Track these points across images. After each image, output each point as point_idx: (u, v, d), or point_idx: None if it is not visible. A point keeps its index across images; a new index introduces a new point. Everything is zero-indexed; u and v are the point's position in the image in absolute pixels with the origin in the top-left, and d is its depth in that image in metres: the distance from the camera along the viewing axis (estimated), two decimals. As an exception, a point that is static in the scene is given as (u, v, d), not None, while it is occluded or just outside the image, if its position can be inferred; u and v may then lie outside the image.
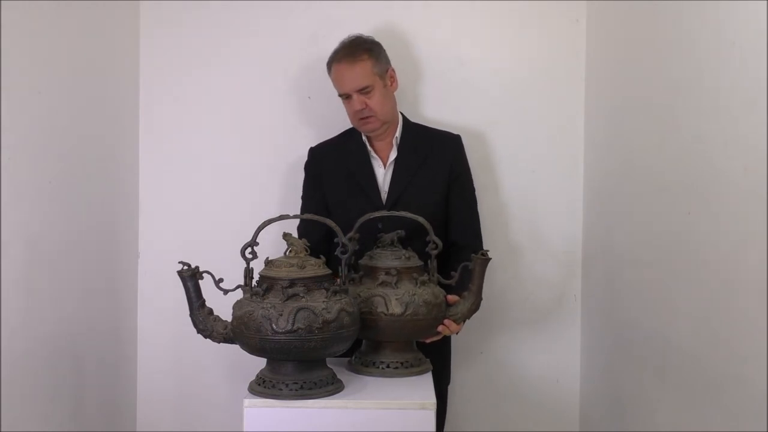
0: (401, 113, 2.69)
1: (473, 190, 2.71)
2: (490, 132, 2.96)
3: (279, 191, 2.92)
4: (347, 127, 2.71)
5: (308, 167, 2.71)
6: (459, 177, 2.66)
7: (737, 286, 1.86)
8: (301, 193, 2.71)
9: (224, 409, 2.93)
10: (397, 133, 2.64)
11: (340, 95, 2.61)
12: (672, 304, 2.20)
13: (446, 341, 2.66)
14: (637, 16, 2.49)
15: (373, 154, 2.64)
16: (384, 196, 2.60)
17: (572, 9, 2.94)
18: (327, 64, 2.63)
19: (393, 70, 2.65)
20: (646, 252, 2.40)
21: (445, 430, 2.72)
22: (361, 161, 2.63)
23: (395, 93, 2.66)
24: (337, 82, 2.61)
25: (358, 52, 2.57)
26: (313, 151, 2.72)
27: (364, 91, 2.55)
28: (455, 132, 2.72)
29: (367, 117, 2.57)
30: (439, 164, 2.63)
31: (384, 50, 2.63)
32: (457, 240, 2.60)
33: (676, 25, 2.20)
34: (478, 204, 2.72)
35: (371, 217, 2.27)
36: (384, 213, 2.33)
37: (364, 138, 2.65)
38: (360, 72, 2.55)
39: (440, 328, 2.31)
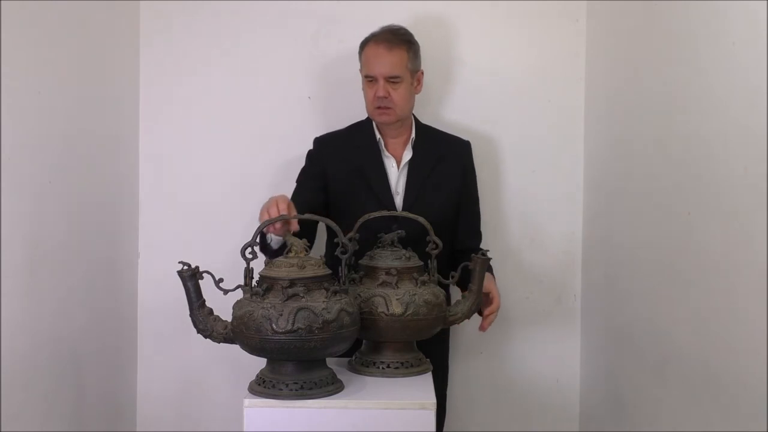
0: (413, 114, 2.67)
1: (478, 197, 2.72)
2: (490, 132, 2.96)
3: (279, 191, 2.91)
4: (347, 126, 2.70)
5: (312, 157, 2.64)
6: (469, 184, 2.67)
7: (737, 286, 1.86)
8: None
9: (224, 409, 2.93)
10: (413, 134, 2.62)
11: (366, 76, 2.55)
12: (672, 304, 2.20)
13: (444, 345, 2.65)
14: (637, 16, 2.49)
15: (386, 152, 2.61)
16: (396, 195, 2.57)
17: (572, 9, 2.94)
18: (361, 43, 2.58)
19: (422, 74, 2.63)
20: (646, 252, 2.40)
21: (444, 430, 2.72)
22: (373, 158, 2.59)
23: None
24: (368, 63, 2.55)
25: (400, 41, 2.54)
26: (320, 142, 2.66)
27: (393, 79, 2.51)
28: (449, 129, 2.72)
29: (386, 107, 2.52)
30: (452, 168, 2.62)
31: (420, 51, 2.61)
32: (466, 246, 2.60)
33: (676, 25, 2.20)
34: (479, 204, 2.73)
35: (370, 217, 2.27)
36: (384, 213, 2.32)
37: (377, 135, 2.61)
38: (395, 59, 2.52)
39: (487, 323, 2.43)
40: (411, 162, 2.60)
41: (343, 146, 2.62)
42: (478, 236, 2.70)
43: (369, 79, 2.54)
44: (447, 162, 2.62)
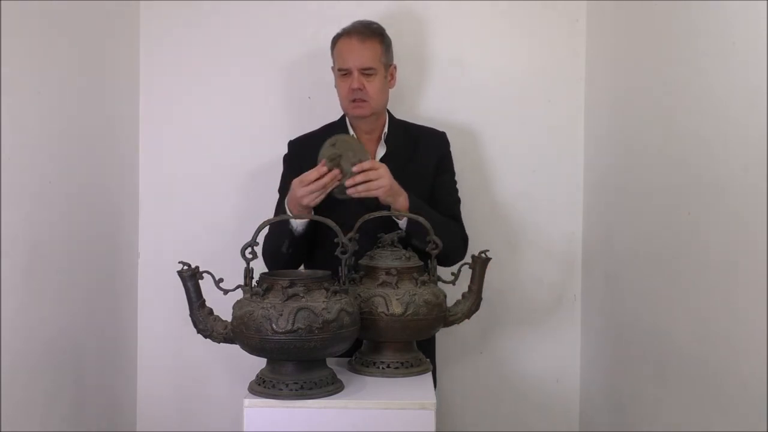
0: (387, 110, 2.64)
1: (457, 188, 2.65)
2: (490, 132, 2.96)
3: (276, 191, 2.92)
4: (321, 126, 2.67)
5: (289, 161, 2.61)
6: (444, 175, 2.62)
7: (737, 286, 1.86)
8: None
9: (224, 409, 2.93)
10: (385, 129, 2.59)
11: (339, 70, 2.53)
12: (672, 304, 2.20)
13: (431, 349, 2.62)
14: (637, 16, 2.49)
15: None
16: None
17: (572, 9, 2.94)
18: (333, 39, 2.57)
19: (395, 68, 2.62)
20: (646, 252, 2.40)
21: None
22: None
23: (390, 91, 2.63)
24: (341, 56, 2.53)
25: (372, 33, 2.53)
26: (294, 144, 2.64)
27: (367, 71, 2.49)
28: (449, 130, 2.71)
29: (360, 100, 2.50)
30: (426, 160, 2.59)
31: (392, 46, 2.60)
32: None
33: (676, 25, 2.21)
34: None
35: (371, 217, 2.26)
36: (385, 213, 2.32)
37: (351, 133, 2.57)
38: (369, 52, 2.50)
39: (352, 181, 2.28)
40: (384, 159, 2.55)
41: (318, 146, 2.56)
42: (452, 212, 2.60)
43: (342, 73, 2.52)
44: (421, 155, 2.59)
